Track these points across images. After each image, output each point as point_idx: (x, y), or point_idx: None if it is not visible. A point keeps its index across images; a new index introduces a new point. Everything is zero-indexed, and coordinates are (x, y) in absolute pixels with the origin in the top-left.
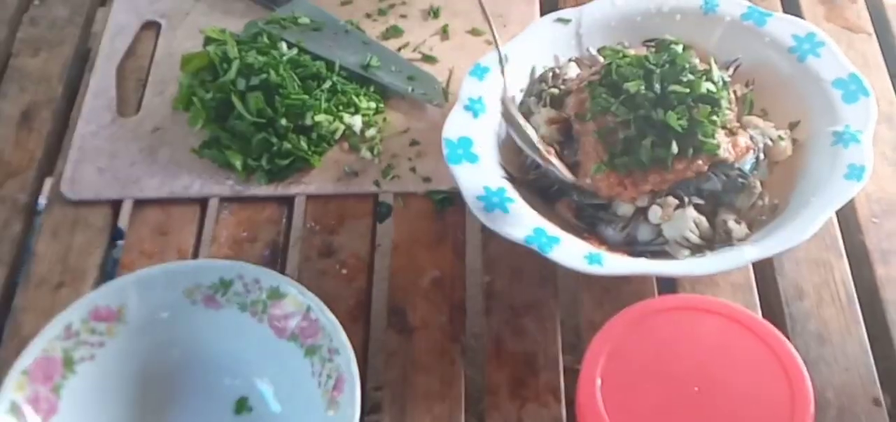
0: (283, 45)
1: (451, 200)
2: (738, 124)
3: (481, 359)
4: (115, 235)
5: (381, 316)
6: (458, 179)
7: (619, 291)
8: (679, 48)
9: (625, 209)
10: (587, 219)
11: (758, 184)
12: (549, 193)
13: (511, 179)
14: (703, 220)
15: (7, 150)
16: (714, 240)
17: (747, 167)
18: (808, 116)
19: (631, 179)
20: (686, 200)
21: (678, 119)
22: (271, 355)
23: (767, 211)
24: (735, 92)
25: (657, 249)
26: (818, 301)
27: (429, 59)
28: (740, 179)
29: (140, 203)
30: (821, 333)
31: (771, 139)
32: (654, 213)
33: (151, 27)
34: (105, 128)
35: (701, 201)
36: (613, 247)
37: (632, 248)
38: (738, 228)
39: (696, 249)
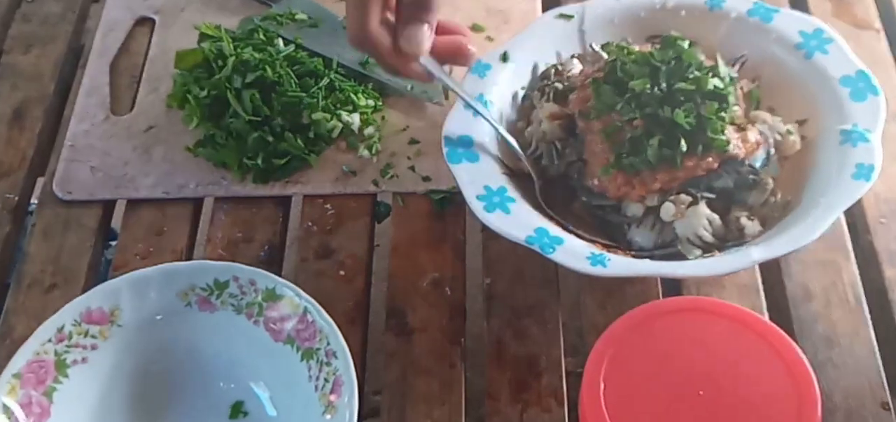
0: (280, 42)
1: (450, 200)
2: (746, 120)
3: (482, 362)
4: (108, 235)
5: (379, 318)
6: (458, 178)
7: (623, 293)
8: (685, 44)
9: (634, 209)
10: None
11: (769, 180)
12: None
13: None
14: (716, 218)
15: None
16: (726, 238)
17: (758, 163)
18: (816, 113)
19: (639, 178)
20: (698, 196)
21: (686, 117)
22: (267, 359)
23: (779, 208)
24: (741, 88)
25: (672, 250)
26: (826, 303)
27: None
28: (751, 176)
29: (133, 203)
30: (828, 335)
31: (780, 134)
32: (667, 210)
33: (145, 23)
34: (98, 126)
35: (712, 196)
36: (639, 252)
37: (651, 250)
38: (751, 225)
39: (707, 249)
